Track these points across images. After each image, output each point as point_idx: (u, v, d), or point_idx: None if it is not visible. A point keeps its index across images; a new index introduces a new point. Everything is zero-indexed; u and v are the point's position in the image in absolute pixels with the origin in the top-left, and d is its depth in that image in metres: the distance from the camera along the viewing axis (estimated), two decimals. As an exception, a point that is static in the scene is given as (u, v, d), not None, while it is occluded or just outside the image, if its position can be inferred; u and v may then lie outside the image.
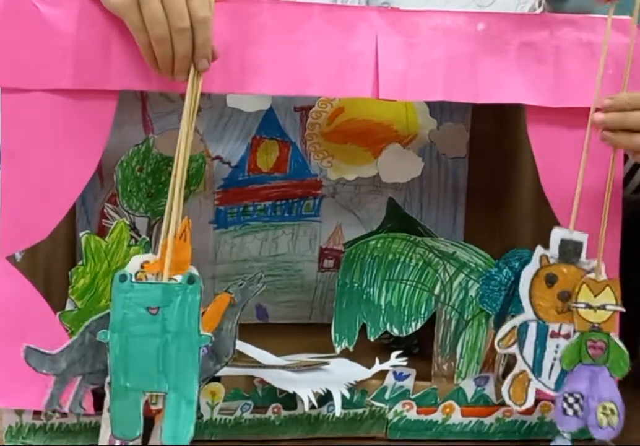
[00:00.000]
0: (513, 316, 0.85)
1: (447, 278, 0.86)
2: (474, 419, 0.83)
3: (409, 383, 0.82)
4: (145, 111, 1.00)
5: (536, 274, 0.79)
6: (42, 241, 0.76)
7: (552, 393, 0.78)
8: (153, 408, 0.70)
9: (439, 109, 1.00)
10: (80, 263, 0.76)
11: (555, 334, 0.79)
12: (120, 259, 0.77)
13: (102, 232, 0.80)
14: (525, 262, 0.83)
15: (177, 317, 0.68)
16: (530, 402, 0.79)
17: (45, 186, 0.73)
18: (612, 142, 0.74)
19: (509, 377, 0.80)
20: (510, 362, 0.88)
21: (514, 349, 0.80)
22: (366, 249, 0.87)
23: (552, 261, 0.79)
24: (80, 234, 0.76)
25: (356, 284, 0.87)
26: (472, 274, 0.85)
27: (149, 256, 0.70)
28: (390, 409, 0.82)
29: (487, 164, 1.03)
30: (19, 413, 0.76)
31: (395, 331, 0.86)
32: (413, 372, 0.82)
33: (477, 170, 1.03)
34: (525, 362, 0.80)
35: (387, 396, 0.82)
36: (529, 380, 0.79)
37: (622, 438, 0.80)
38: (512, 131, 1.01)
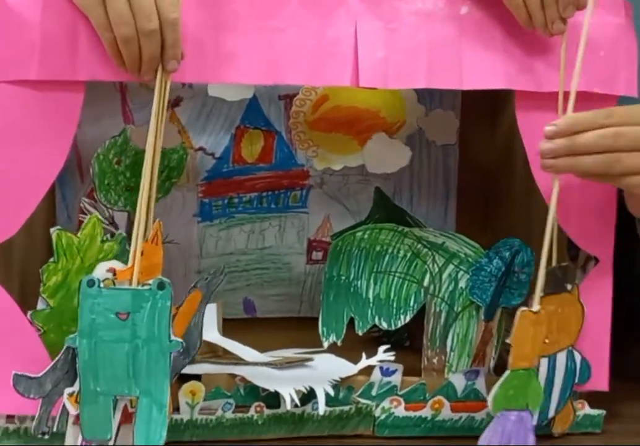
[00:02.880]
0: (504, 308, 0.83)
1: (437, 269, 0.83)
2: (464, 414, 0.80)
3: (396, 379, 0.80)
4: (124, 102, 0.97)
5: None
6: (17, 235, 0.74)
7: None
8: (132, 411, 0.68)
9: (427, 96, 0.97)
10: (51, 260, 0.74)
11: None
12: (94, 255, 0.75)
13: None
14: (516, 252, 0.81)
15: (147, 323, 0.66)
16: None
17: (11, 181, 0.70)
18: (556, 170, 0.70)
19: None
20: (503, 355, 0.86)
21: None
22: (353, 240, 0.85)
23: None
24: (51, 230, 0.74)
25: (343, 277, 0.84)
26: (462, 265, 0.83)
27: (115, 263, 0.69)
28: (377, 406, 0.79)
29: (479, 151, 1.01)
30: (-8, 416, 0.74)
31: (384, 325, 0.84)
32: (400, 367, 0.80)
33: (468, 157, 1.00)
34: None
35: (374, 392, 0.80)
36: None
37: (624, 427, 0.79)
38: (504, 116, 0.99)
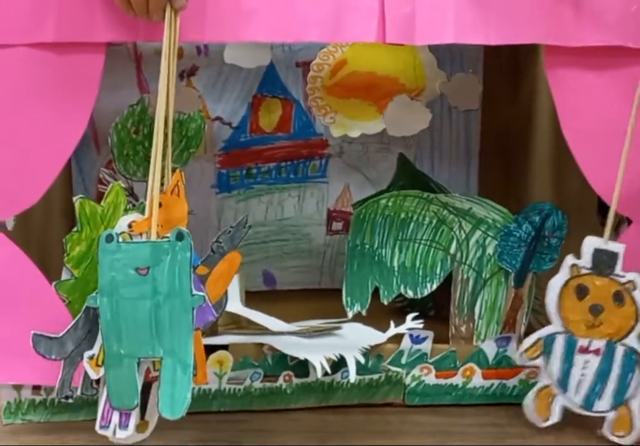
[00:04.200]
0: (535, 274, 0.82)
1: (463, 236, 0.82)
2: (496, 382, 0.79)
3: (426, 346, 0.78)
4: (140, 71, 0.95)
5: (565, 284, 0.74)
6: (35, 208, 0.72)
7: (579, 411, 0.74)
8: (154, 374, 0.66)
9: (449, 60, 0.95)
10: (75, 229, 0.72)
11: (584, 350, 0.74)
12: (117, 224, 0.73)
13: (100, 199, 0.76)
14: (546, 216, 0.79)
15: (168, 277, 0.64)
16: (555, 418, 0.74)
17: (33, 147, 0.69)
18: None
19: (534, 389, 0.75)
20: (532, 322, 0.85)
21: (539, 362, 0.75)
22: (377, 208, 0.83)
23: (583, 271, 0.73)
24: (74, 198, 0.72)
25: (367, 246, 0.83)
26: (490, 231, 0.81)
27: (136, 216, 0.66)
28: (407, 374, 0.78)
29: (501, 116, 0.98)
30: (18, 388, 0.73)
31: (410, 293, 0.83)
32: (430, 334, 0.78)
33: (491, 122, 0.98)
34: (551, 376, 0.75)
35: (403, 360, 0.79)
36: (554, 396, 0.74)
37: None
38: (526, 80, 0.97)
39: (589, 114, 0.73)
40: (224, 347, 0.75)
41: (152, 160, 0.66)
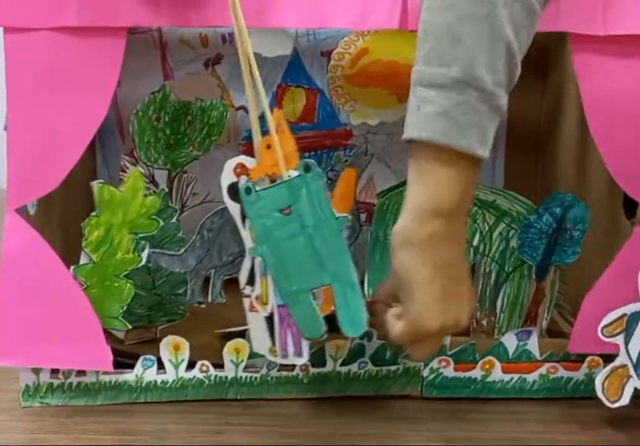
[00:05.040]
0: (557, 267, 0.80)
1: (487, 228, 0.80)
2: (515, 376, 0.78)
3: (445, 338, 0.77)
4: (164, 60, 0.95)
5: None
6: (57, 194, 0.72)
7: None
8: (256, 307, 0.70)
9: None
10: (93, 214, 0.73)
11: None
12: (136, 209, 0.73)
13: (125, 187, 0.76)
14: (567, 207, 0.78)
15: (310, 209, 0.66)
16: (624, 401, 0.71)
17: (54, 131, 0.69)
18: None
19: (607, 368, 0.72)
20: (555, 318, 0.83)
21: (619, 339, 0.71)
22: (400, 199, 0.81)
23: None
24: (92, 183, 0.72)
25: (390, 237, 0.82)
26: (514, 224, 0.80)
27: (243, 158, 0.70)
28: (425, 366, 0.77)
29: (528, 107, 0.97)
30: (36, 371, 0.73)
31: (432, 285, 0.82)
32: (450, 326, 0.77)
33: (518, 113, 0.96)
34: (629, 356, 0.71)
35: (422, 352, 0.78)
36: (629, 376, 0.71)
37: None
38: (554, 70, 0.95)
39: (615, 105, 0.71)
40: (241, 335, 0.75)
41: (251, 97, 0.71)
